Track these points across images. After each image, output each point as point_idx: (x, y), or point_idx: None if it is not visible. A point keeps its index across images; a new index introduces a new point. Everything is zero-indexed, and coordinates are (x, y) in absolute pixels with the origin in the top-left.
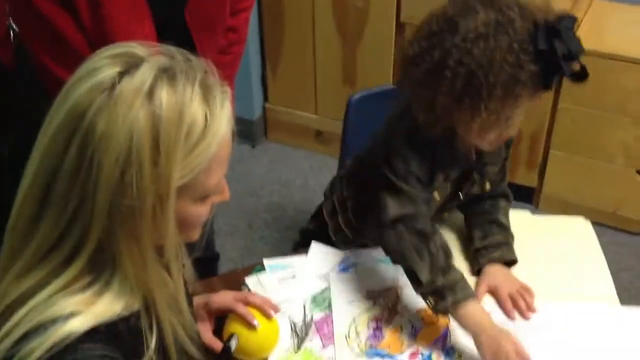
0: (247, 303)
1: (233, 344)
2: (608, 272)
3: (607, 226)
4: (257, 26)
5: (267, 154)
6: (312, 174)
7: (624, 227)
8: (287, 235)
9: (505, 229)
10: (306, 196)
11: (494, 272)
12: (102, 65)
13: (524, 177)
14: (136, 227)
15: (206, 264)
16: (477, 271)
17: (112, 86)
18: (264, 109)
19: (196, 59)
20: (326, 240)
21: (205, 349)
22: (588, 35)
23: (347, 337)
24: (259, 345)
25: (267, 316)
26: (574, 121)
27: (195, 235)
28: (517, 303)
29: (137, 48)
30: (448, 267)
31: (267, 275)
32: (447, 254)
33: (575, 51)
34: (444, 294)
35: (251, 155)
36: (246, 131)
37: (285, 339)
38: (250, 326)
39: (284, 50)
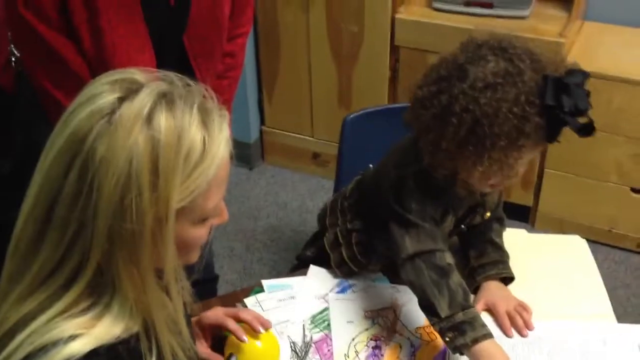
0: (238, 319)
1: None
2: (604, 289)
3: (602, 244)
4: (254, 50)
5: (264, 177)
6: (309, 196)
7: (619, 244)
8: (285, 257)
9: (500, 248)
10: (303, 218)
11: (492, 289)
12: (102, 91)
13: (520, 196)
14: (136, 251)
15: (205, 286)
16: (474, 290)
17: (112, 111)
18: (260, 132)
19: (195, 84)
20: (326, 268)
21: None
22: (580, 56)
23: (347, 356)
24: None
25: (257, 333)
26: (568, 140)
27: (194, 257)
28: (515, 320)
29: (136, 74)
30: (467, 303)
31: (266, 295)
32: (466, 291)
33: (582, 108)
34: (464, 330)
35: (248, 178)
36: (243, 154)
37: (286, 359)
38: (251, 343)
39: (280, 74)
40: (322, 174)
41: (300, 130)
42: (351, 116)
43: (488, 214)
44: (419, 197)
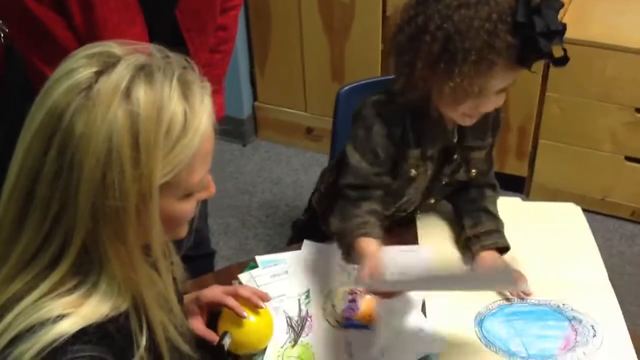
0: (236, 296)
1: (226, 342)
2: (599, 255)
3: (597, 212)
4: (245, 25)
5: (258, 152)
6: (303, 171)
7: (614, 212)
8: (280, 232)
9: (494, 216)
10: (298, 193)
11: (488, 259)
12: (79, 66)
13: (514, 167)
14: (121, 228)
15: (202, 262)
16: (471, 259)
17: (89, 86)
18: (253, 107)
19: (175, 55)
20: (318, 231)
21: (198, 345)
22: (572, 25)
23: (324, 310)
24: (254, 337)
25: (258, 308)
26: (562, 110)
27: (183, 232)
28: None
29: (114, 47)
30: (352, 214)
31: (260, 271)
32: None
33: (554, 29)
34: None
35: (242, 154)
36: (236, 130)
37: (282, 334)
38: (244, 321)
39: (271, 49)
40: (315, 149)
41: (293, 105)
42: (345, 88)
43: (474, 173)
44: (371, 122)
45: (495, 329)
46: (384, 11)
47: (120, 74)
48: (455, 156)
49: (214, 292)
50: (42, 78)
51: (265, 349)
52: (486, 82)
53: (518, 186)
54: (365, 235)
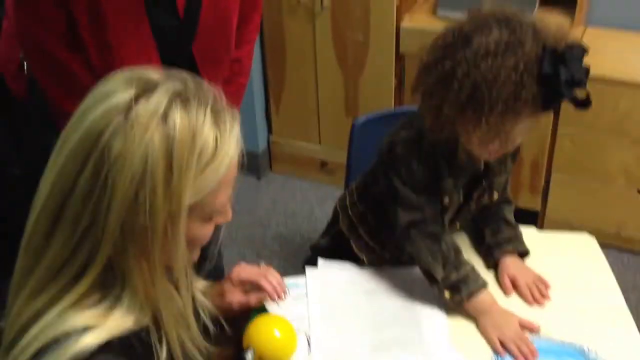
0: (266, 279)
1: (249, 356)
2: (616, 283)
3: (611, 247)
4: (260, 60)
5: (273, 186)
6: (318, 204)
7: (628, 246)
8: (295, 264)
9: (512, 225)
10: (312, 226)
11: (510, 263)
12: (118, 89)
13: (528, 201)
14: (147, 245)
15: None
16: (492, 265)
17: (129, 109)
18: (268, 141)
19: (206, 85)
20: (341, 255)
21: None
22: (586, 60)
23: None
24: (279, 352)
25: (280, 299)
26: (574, 144)
27: (196, 255)
28: (533, 291)
29: (150, 72)
30: (459, 263)
31: None
32: (457, 251)
33: (578, 78)
34: (459, 287)
35: (257, 188)
36: (251, 164)
37: (303, 355)
38: (270, 336)
39: (286, 84)
40: (329, 183)
41: (308, 138)
42: (360, 120)
43: (496, 196)
44: (406, 159)
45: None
46: (397, 47)
47: (159, 99)
48: (483, 183)
49: (249, 270)
50: (61, 112)
51: None
52: (512, 128)
53: (532, 220)
54: (485, 285)
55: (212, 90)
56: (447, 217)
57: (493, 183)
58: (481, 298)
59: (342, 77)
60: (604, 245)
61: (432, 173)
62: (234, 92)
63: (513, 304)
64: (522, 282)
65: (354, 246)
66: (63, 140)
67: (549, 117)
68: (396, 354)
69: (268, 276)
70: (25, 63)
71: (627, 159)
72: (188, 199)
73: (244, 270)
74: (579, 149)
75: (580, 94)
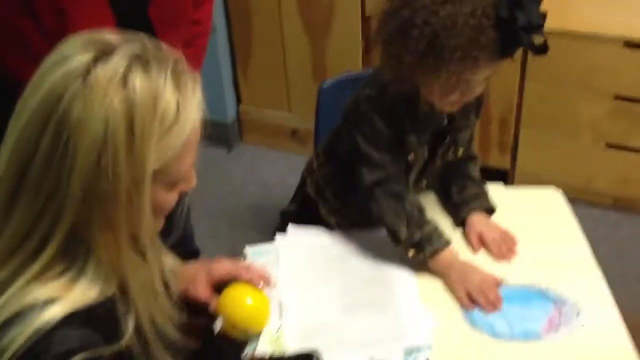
0: (246, 272)
1: (217, 325)
2: (582, 235)
3: (581, 201)
4: (225, 28)
5: (244, 156)
6: (290, 173)
7: (598, 200)
8: (269, 233)
9: (478, 182)
10: (285, 195)
11: (477, 220)
12: (75, 52)
13: (497, 159)
14: (111, 212)
15: (187, 260)
16: (460, 222)
17: (87, 72)
18: (237, 112)
19: (166, 48)
20: (310, 219)
21: (184, 331)
22: (551, 14)
23: None
24: (252, 320)
25: (260, 292)
26: (542, 100)
27: (160, 224)
28: (500, 247)
29: (108, 35)
30: (423, 221)
31: (251, 261)
32: (421, 210)
33: (535, 23)
34: (423, 246)
35: (228, 158)
36: (221, 135)
37: (275, 320)
38: (242, 303)
39: (253, 51)
40: (300, 151)
41: (277, 106)
42: (326, 84)
43: (461, 152)
44: (371, 116)
45: (480, 311)
46: (362, 8)
47: (118, 62)
48: (448, 138)
49: (226, 266)
50: (17, 79)
51: (259, 334)
52: (471, 75)
53: (501, 178)
54: (448, 244)
55: (172, 53)
56: (413, 175)
57: (457, 138)
58: (443, 255)
59: (309, 41)
60: (574, 200)
61: (395, 129)
62: (194, 55)
63: (480, 261)
64: (489, 239)
65: (321, 210)
66: (21, 106)
67: (516, 73)
68: (367, 315)
69: (250, 268)
70: None
71: (594, 114)
72: (151, 164)
73: (222, 267)
74: (546, 104)
75: (537, 40)
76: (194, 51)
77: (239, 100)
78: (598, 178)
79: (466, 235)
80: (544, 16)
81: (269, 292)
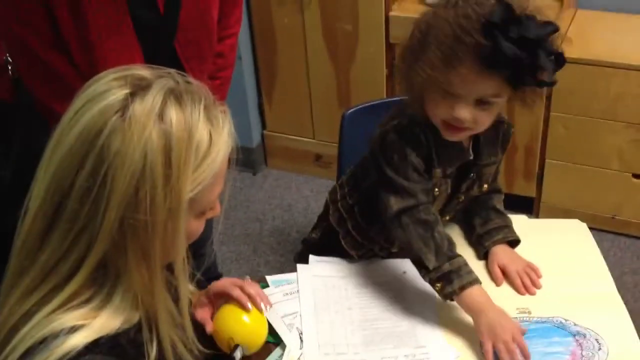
0: (243, 290)
1: (238, 355)
2: (606, 267)
3: (607, 231)
4: (251, 55)
5: (268, 180)
6: (314, 197)
7: (624, 231)
8: (291, 258)
9: (502, 214)
10: (309, 219)
11: (500, 252)
12: (111, 88)
13: (522, 187)
14: (146, 242)
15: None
16: (483, 255)
17: (125, 107)
18: (262, 136)
19: (194, 82)
20: (332, 249)
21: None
22: (575, 44)
23: None
24: (247, 338)
25: (260, 310)
26: (567, 129)
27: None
28: (524, 280)
29: (140, 70)
30: (453, 253)
31: (272, 290)
32: (451, 242)
33: (529, 36)
34: (451, 279)
35: (252, 183)
36: (246, 159)
37: (296, 350)
38: (239, 320)
39: (278, 77)
40: (325, 176)
41: (301, 133)
42: (350, 111)
43: (485, 187)
44: (399, 147)
45: None
46: (387, 36)
47: (154, 97)
48: (472, 174)
49: (223, 282)
50: (50, 111)
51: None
52: (455, 78)
53: (527, 207)
54: (478, 281)
55: (201, 87)
56: (435, 209)
57: (482, 174)
58: (474, 293)
59: (334, 68)
60: (600, 230)
61: (423, 159)
62: (219, 86)
63: (503, 293)
64: (512, 271)
65: (342, 242)
66: (57, 141)
67: (541, 103)
68: (388, 346)
69: (245, 286)
70: (9, 66)
71: (620, 143)
72: (187, 194)
73: (219, 283)
74: (571, 134)
75: (545, 76)
76: (219, 83)
77: (264, 125)
78: (624, 208)
79: (489, 267)
80: (546, 37)
81: (289, 321)
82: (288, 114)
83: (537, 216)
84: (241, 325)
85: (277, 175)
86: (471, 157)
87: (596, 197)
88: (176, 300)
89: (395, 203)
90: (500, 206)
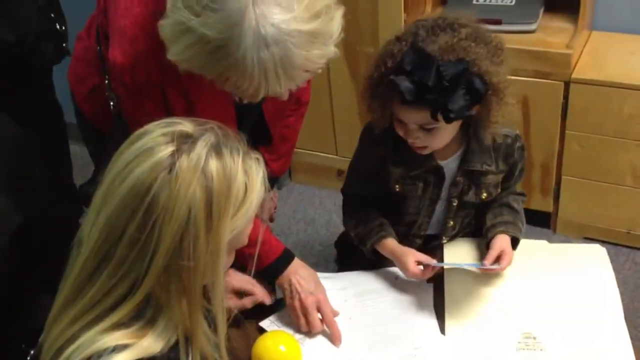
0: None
1: None
2: (619, 299)
3: (622, 245)
4: None
5: (293, 195)
6: (336, 211)
7: (639, 245)
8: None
9: (514, 211)
10: (331, 232)
11: (499, 241)
12: (159, 144)
13: (540, 203)
14: (189, 282)
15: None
16: (486, 244)
17: (172, 163)
18: None
19: (232, 133)
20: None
21: None
22: (588, 65)
23: None
24: None
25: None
26: (582, 147)
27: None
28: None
29: (183, 125)
30: (368, 219)
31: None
32: (373, 208)
33: (412, 68)
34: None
35: (278, 197)
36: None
37: None
38: (276, 351)
39: None
40: None
41: (325, 149)
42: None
43: (484, 195)
44: (360, 142)
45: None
46: None
47: (198, 153)
48: (459, 178)
49: (241, 279)
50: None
51: None
52: (395, 109)
53: (544, 222)
54: (386, 236)
55: (238, 138)
56: (417, 209)
57: (480, 182)
58: (392, 243)
59: (355, 88)
60: (615, 244)
61: (378, 159)
62: (299, 120)
63: (512, 317)
64: (504, 264)
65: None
66: (108, 188)
67: (556, 120)
68: (390, 347)
69: (256, 285)
70: (112, 102)
71: (633, 160)
72: (226, 238)
73: (235, 279)
74: (586, 151)
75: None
76: (299, 117)
77: None
78: (639, 223)
79: (489, 248)
80: (455, 78)
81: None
82: (312, 131)
83: (554, 230)
84: (278, 354)
85: (301, 189)
86: (435, 163)
87: (611, 213)
88: (211, 319)
89: (347, 188)
90: (516, 204)
